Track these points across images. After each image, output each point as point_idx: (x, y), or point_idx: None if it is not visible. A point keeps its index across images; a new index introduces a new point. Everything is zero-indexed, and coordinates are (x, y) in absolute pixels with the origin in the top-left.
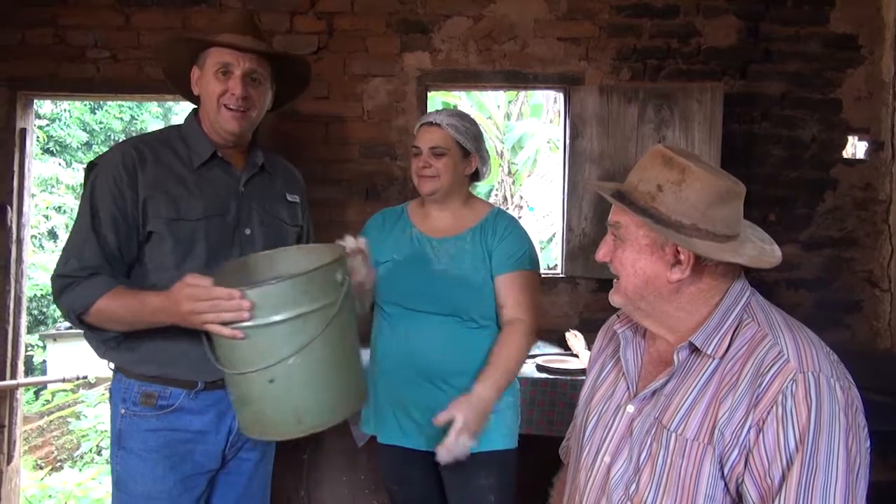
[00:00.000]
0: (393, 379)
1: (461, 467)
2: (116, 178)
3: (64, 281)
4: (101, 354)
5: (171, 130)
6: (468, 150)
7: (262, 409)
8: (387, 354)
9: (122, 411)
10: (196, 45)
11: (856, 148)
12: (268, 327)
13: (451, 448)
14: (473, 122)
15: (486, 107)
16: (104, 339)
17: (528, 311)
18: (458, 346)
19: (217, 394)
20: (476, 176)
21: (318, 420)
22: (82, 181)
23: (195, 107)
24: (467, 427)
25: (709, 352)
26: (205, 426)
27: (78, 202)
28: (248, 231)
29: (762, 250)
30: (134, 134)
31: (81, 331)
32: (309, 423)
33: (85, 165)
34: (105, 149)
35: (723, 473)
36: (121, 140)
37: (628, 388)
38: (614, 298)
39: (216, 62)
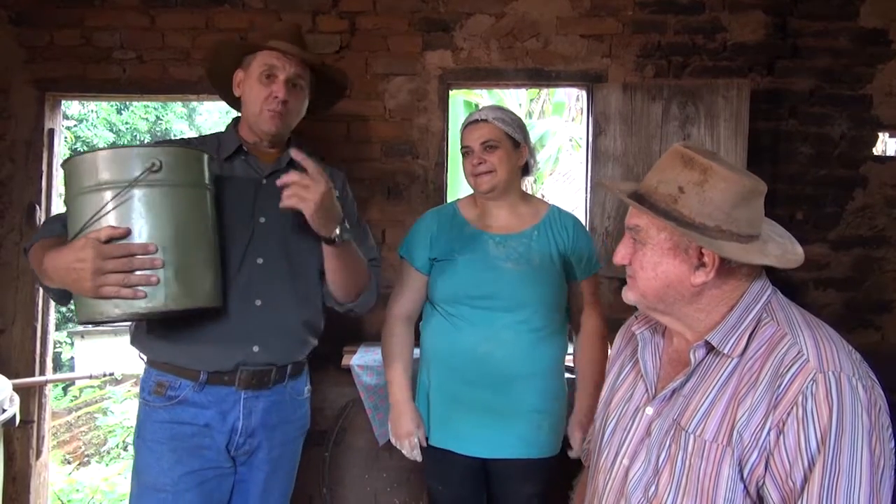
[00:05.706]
0: (452, 380)
1: (511, 475)
2: None
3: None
4: (131, 341)
5: (213, 135)
6: (518, 142)
7: None
8: (451, 354)
9: (141, 401)
10: (244, 48)
11: (886, 145)
12: (95, 191)
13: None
14: (516, 115)
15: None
16: (134, 326)
17: (601, 309)
18: (525, 346)
19: (221, 391)
20: (526, 169)
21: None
22: None
23: (236, 116)
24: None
25: (725, 351)
26: (209, 420)
27: None
28: (262, 220)
29: (785, 248)
30: (159, 134)
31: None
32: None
33: None
34: None
35: (742, 475)
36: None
37: (647, 389)
38: (629, 295)
39: (262, 64)
